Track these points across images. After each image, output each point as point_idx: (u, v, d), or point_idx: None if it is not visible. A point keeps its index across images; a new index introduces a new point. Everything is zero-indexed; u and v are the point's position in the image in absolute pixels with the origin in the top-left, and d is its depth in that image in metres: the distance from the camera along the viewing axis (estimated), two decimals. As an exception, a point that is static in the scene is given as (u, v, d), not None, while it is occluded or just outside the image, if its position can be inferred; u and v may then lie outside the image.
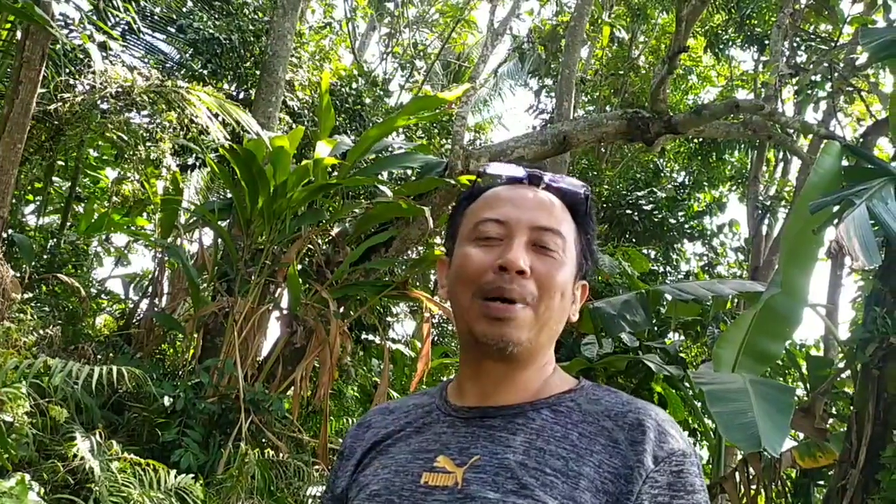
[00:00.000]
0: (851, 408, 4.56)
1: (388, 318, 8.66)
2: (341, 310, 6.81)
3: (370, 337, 8.38)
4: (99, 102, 6.01)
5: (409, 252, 7.93)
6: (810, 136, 9.73)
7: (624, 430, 1.04)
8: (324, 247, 6.99)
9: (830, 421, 5.40)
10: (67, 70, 6.21)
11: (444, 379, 1.27)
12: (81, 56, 6.19)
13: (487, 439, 1.07)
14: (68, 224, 8.63)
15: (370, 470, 1.14)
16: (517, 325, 1.07)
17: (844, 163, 5.29)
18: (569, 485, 0.99)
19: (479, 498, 1.00)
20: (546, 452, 1.03)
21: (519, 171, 1.17)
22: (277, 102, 7.49)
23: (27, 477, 3.66)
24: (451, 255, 1.17)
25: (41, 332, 4.86)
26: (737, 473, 4.84)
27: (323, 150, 6.28)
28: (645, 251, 10.59)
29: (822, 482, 5.52)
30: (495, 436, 1.07)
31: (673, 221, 11.34)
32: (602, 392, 1.13)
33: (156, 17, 8.80)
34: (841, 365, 5.43)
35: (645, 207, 11.05)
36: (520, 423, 1.08)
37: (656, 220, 11.06)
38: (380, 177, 7.46)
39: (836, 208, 4.50)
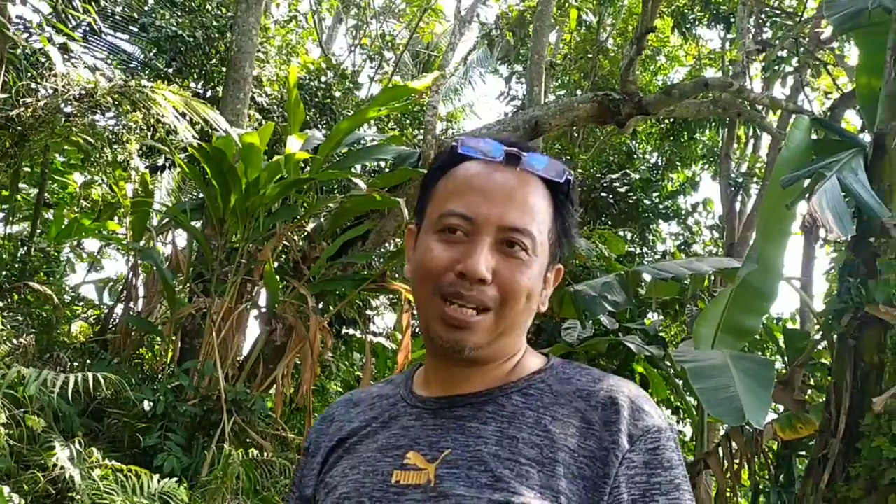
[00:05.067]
0: (829, 378, 4.61)
1: (368, 312, 8.62)
2: (320, 305, 6.76)
3: (351, 331, 8.35)
4: (62, 106, 5.89)
5: (387, 244, 7.90)
6: (779, 112, 9.82)
7: (597, 410, 1.01)
8: (300, 243, 6.93)
9: (809, 392, 5.46)
10: (29, 74, 6.09)
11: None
12: (43, 60, 6.07)
13: (458, 431, 1.03)
14: (38, 231, 8.49)
15: (337, 470, 1.10)
16: (474, 332, 1.02)
17: (814, 136, 5.35)
18: (545, 473, 0.96)
19: (454, 496, 0.96)
20: (519, 441, 0.99)
21: (495, 152, 1.06)
22: (245, 99, 7.40)
23: (6, 489, 3.60)
24: (419, 227, 1.11)
25: (14, 341, 4.77)
26: (720, 449, 4.89)
27: (294, 144, 6.22)
28: (621, 233, 10.65)
29: (803, 453, 5.59)
30: (466, 427, 1.03)
31: (648, 202, 11.39)
32: (573, 370, 1.09)
33: (117, 17, 8.68)
34: (817, 337, 5.49)
35: (619, 189, 11.09)
36: (490, 410, 1.04)
37: (631, 201, 11.11)
38: (353, 170, 7.41)
39: (807, 182, 4.55)
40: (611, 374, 1.08)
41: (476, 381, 1.06)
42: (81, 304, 8.21)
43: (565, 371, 1.09)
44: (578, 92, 12.31)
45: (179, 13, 8.28)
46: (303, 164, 6.56)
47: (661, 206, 11.75)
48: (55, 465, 3.97)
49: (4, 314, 5.78)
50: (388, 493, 1.00)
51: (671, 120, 12.25)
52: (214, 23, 8.33)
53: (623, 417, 1.00)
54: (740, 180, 12.45)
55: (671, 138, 13.03)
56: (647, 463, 0.98)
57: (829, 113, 7.61)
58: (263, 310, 6.66)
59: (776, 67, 8.86)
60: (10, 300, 6.55)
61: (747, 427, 4.84)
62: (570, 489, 0.96)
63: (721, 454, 4.92)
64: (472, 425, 1.03)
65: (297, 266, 6.68)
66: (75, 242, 9.73)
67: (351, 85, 9.99)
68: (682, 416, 8.66)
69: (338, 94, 9.18)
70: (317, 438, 1.18)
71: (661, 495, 0.97)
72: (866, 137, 5.04)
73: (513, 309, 1.03)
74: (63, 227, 9.04)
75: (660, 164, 13.56)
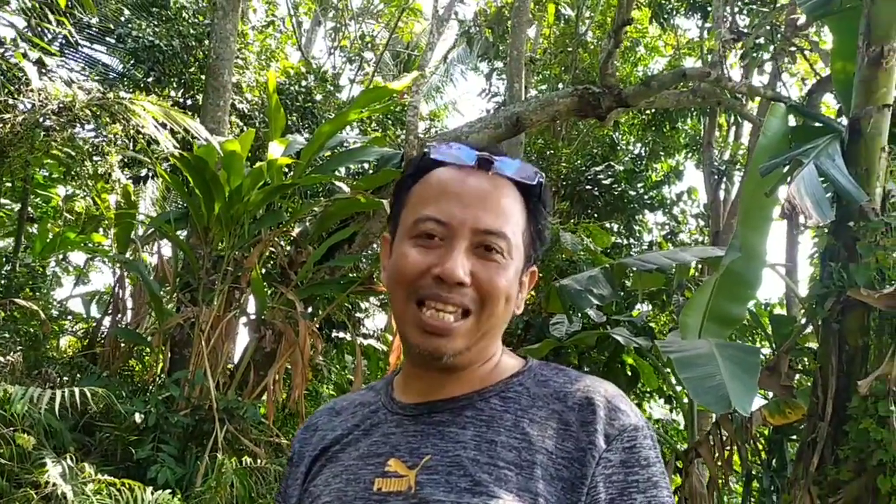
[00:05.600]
0: (816, 363, 4.65)
1: (358, 314, 8.62)
2: (309, 310, 6.77)
3: (341, 334, 8.34)
4: (41, 120, 5.87)
5: (373, 246, 7.89)
6: (758, 99, 9.87)
7: (574, 411, 1.02)
8: (286, 248, 6.93)
9: (797, 377, 5.51)
10: (6, 90, 6.06)
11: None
12: (20, 75, 6.04)
13: (437, 437, 1.04)
14: (23, 246, 8.45)
15: (321, 479, 1.10)
16: (454, 338, 1.03)
17: (793, 123, 5.39)
18: (523, 476, 0.97)
19: (434, 501, 0.97)
20: (497, 444, 1.00)
21: (467, 158, 1.07)
22: (226, 106, 7.38)
23: (-2, 509, 3.59)
24: (394, 234, 1.11)
25: (1, 359, 4.75)
26: (710, 437, 4.92)
27: (276, 150, 6.21)
28: (607, 225, 10.69)
29: (794, 437, 5.63)
30: (445, 432, 1.04)
31: (633, 193, 11.42)
32: (550, 372, 1.10)
33: (93, 29, 8.62)
34: (803, 321, 5.54)
35: (604, 182, 11.12)
36: (469, 415, 1.05)
37: (616, 193, 11.14)
38: (336, 173, 7.40)
39: (786, 169, 4.58)
40: (587, 375, 1.09)
41: (455, 386, 1.07)
42: (69, 318, 8.18)
43: (543, 373, 1.10)
44: (560, 86, 12.33)
45: (156, 22, 8.24)
46: (286, 170, 6.55)
47: (646, 197, 11.79)
48: (47, 483, 3.96)
49: (-10, 332, 5.76)
50: (370, 501, 1.01)
51: (652, 111, 12.29)
52: (192, 31, 8.30)
53: (599, 418, 1.01)
54: (723, 168, 12.51)
55: (653, 129, 13.07)
56: (624, 462, 0.99)
57: (807, 98, 7.66)
58: (252, 317, 6.66)
59: (754, 55, 8.91)
60: (-4, 317, 6.53)
61: (736, 414, 4.88)
62: (549, 490, 0.97)
63: (712, 442, 4.96)
64: (451, 430, 1.04)
65: (284, 271, 6.68)
66: (60, 256, 9.69)
67: (332, 88, 9.98)
68: (673, 406, 8.72)
69: (319, 97, 9.17)
70: (300, 448, 1.19)
71: (638, 493, 0.98)
72: (844, 122, 5.08)
73: (493, 311, 1.04)
74: (48, 241, 9.01)
75: (643, 154, 13.60)
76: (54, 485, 3.95)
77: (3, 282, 7.21)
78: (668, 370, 6.30)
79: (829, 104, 10.85)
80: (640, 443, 1.01)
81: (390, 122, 9.75)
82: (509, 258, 1.05)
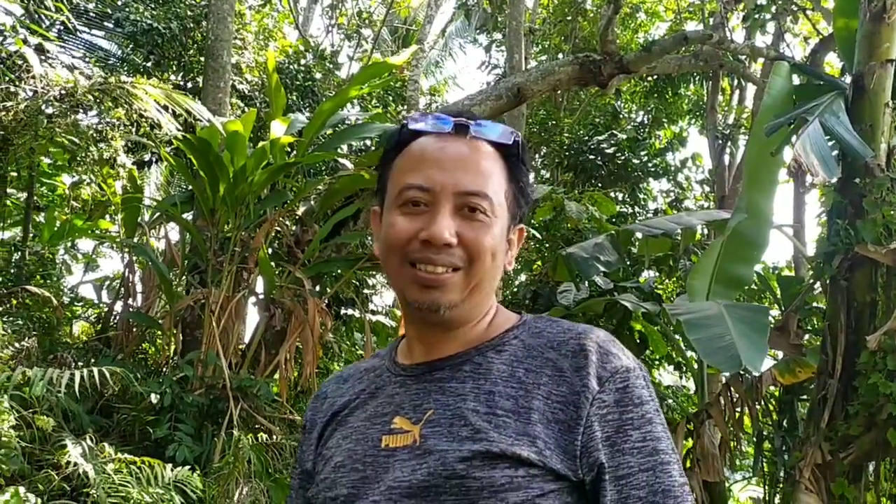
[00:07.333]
0: (824, 321, 4.67)
1: (366, 291, 8.66)
2: (317, 288, 6.80)
3: (349, 311, 8.39)
4: (43, 107, 5.87)
5: (379, 222, 7.90)
6: (762, 61, 9.80)
7: (567, 358, 1.06)
8: (291, 227, 6.95)
9: (806, 337, 5.52)
10: (7, 78, 6.06)
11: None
12: (20, 62, 6.03)
13: (438, 392, 1.09)
14: (31, 234, 8.49)
15: (332, 442, 1.17)
16: (448, 290, 1.07)
17: (797, 82, 5.36)
18: (521, 421, 1.02)
19: (437, 451, 1.03)
20: (495, 394, 1.05)
21: (444, 125, 1.11)
22: (226, 87, 7.37)
23: (22, 490, 3.65)
24: (382, 206, 1.16)
25: (17, 345, 4.80)
26: (721, 398, 4.95)
27: (278, 129, 6.21)
28: (612, 194, 10.67)
29: (805, 397, 5.67)
30: (446, 387, 1.09)
31: (636, 161, 11.38)
32: (544, 324, 1.15)
33: (91, 14, 8.60)
34: (811, 281, 5.55)
35: (607, 151, 11.08)
36: (467, 370, 1.10)
37: (619, 161, 11.10)
38: (339, 150, 7.40)
39: (790, 127, 4.57)
40: (580, 324, 1.14)
41: (453, 345, 1.13)
42: (81, 304, 8.24)
43: (537, 325, 1.14)
44: (560, 56, 12.26)
45: (153, 6, 8.20)
46: (288, 149, 6.55)
47: (649, 165, 11.75)
48: (68, 463, 4.02)
49: (4, 319, 5.80)
50: (379, 457, 1.08)
51: (655, 77, 12.21)
52: (189, 13, 8.26)
53: (591, 362, 1.05)
54: (727, 132, 12.45)
55: (655, 95, 13.01)
56: (618, 401, 1.04)
57: (810, 57, 7.60)
58: (261, 296, 6.69)
59: (756, 16, 8.83)
60: (8, 305, 6.58)
61: (746, 375, 4.91)
62: (546, 433, 1.01)
63: (722, 403, 4.99)
64: (451, 385, 1.09)
65: (291, 250, 6.70)
66: (69, 244, 9.74)
67: (331, 66, 9.94)
68: (683, 371, 8.75)
69: (318, 75, 9.14)
70: (312, 416, 1.26)
71: (633, 430, 1.03)
72: (847, 79, 5.05)
73: (481, 267, 1.09)
74: (55, 229, 9.05)
75: (646, 122, 13.54)
76: (75, 465, 4.01)
77: (13, 270, 7.26)
78: (678, 336, 6.33)
79: (832, 64, 10.77)
80: (633, 382, 1.05)
81: (391, 97, 9.72)
82: (493, 217, 1.09)
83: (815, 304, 5.45)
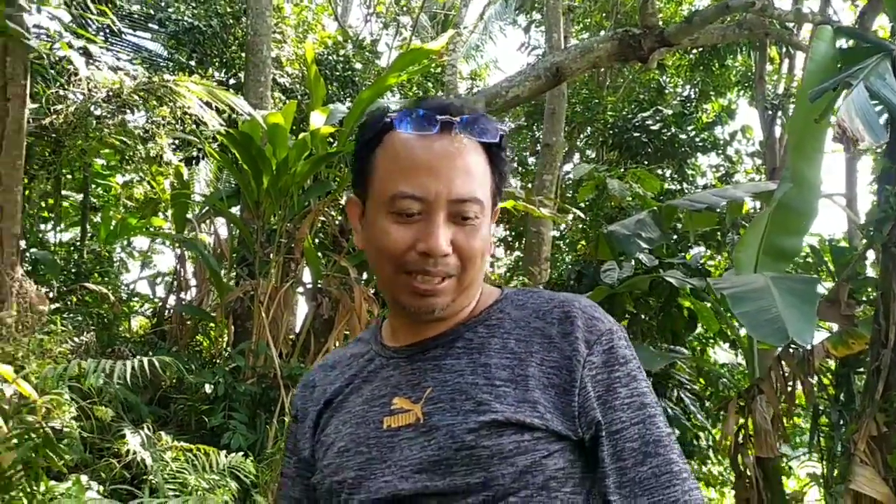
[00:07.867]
0: (877, 290, 4.53)
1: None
2: (363, 276, 6.88)
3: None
4: (92, 109, 6.06)
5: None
6: (810, 28, 9.50)
7: (554, 325, 1.11)
8: (336, 217, 7.04)
9: (860, 308, 5.36)
10: (58, 82, 6.26)
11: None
12: (68, 67, 6.22)
13: (434, 370, 1.12)
14: (88, 234, 8.78)
15: (331, 428, 1.18)
16: (442, 295, 1.10)
17: (843, 46, 5.18)
18: (519, 389, 1.06)
19: (444, 426, 1.05)
20: (491, 366, 1.09)
21: (429, 127, 1.08)
22: (267, 81, 7.48)
23: (84, 477, 3.81)
24: (363, 197, 1.15)
25: (76, 339, 4.99)
26: (772, 373, 4.85)
27: (317, 120, 6.28)
28: (659, 172, 10.49)
29: (861, 370, 5.51)
30: (441, 365, 1.12)
31: (683, 137, 11.15)
32: (525, 296, 1.18)
33: (135, 16, 8.80)
34: (863, 250, 5.38)
35: (653, 127, 10.88)
36: (459, 346, 1.13)
37: (665, 137, 10.90)
38: (380, 138, 7.43)
39: (835, 92, 4.43)
40: (560, 293, 1.17)
41: (441, 324, 1.15)
42: (138, 300, 8.50)
43: (519, 298, 1.18)
44: (602, 33, 12.07)
45: (194, 4, 8.37)
46: (330, 139, 6.62)
47: (697, 140, 11.50)
48: (128, 452, 4.17)
49: (64, 315, 6.03)
50: (382, 438, 1.10)
51: (700, 49, 11.93)
52: (228, 9, 8.40)
53: (578, 327, 1.10)
54: (777, 103, 12.10)
55: (701, 68, 12.69)
56: (605, 362, 1.10)
57: (858, 21, 7.33)
58: (308, 286, 6.81)
59: (801, -20, 8.55)
60: (68, 302, 6.83)
61: (798, 349, 4.79)
62: (545, 398, 1.06)
63: (774, 378, 4.88)
64: (446, 362, 1.12)
65: (336, 239, 6.79)
66: (125, 242, 10.04)
67: (370, 55, 9.98)
68: (738, 349, 8.56)
69: (358, 65, 9.20)
70: (302, 405, 1.26)
71: (622, 387, 1.09)
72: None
73: (473, 270, 1.12)
74: (111, 228, 9.33)
75: (692, 96, 13.24)
76: (134, 453, 4.16)
77: (72, 269, 7.52)
78: (729, 312, 6.21)
79: (884, 27, 10.37)
80: (616, 343, 1.11)
81: (430, 84, 9.72)
82: (482, 217, 1.11)
83: (867, 274, 5.28)
